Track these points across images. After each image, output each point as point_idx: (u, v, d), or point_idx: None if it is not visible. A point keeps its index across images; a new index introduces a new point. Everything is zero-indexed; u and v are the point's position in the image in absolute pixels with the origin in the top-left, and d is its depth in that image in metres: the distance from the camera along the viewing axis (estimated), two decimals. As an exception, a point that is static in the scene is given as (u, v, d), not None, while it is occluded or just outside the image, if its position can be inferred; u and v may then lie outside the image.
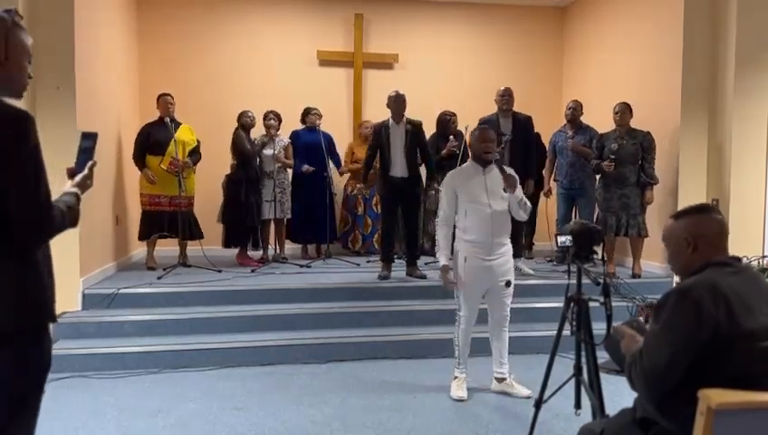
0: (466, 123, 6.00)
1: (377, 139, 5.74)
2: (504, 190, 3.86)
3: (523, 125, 6.06)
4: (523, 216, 3.96)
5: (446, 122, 6.78)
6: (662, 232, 2.11)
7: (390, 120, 5.67)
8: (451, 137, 6.55)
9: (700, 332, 1.78)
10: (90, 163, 2.12)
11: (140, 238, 6.23)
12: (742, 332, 1.77)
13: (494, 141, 3.99)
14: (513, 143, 5.94)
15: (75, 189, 2.06)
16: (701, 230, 2.00)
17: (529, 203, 3.98)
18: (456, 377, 4.03)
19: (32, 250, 1.89)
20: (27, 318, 1.87)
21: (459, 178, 3.96)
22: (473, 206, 3.87)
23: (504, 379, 4.06)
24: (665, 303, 1.89)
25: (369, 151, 5.86)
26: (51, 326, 1.99)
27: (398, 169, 5.65)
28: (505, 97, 6.05)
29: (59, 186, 2.15)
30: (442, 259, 3.91)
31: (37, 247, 1.91)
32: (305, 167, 6.65)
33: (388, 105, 5.66)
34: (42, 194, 1.83)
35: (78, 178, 2.09)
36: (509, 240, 3.98)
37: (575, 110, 6.47)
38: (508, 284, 3.95)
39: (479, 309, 4.03)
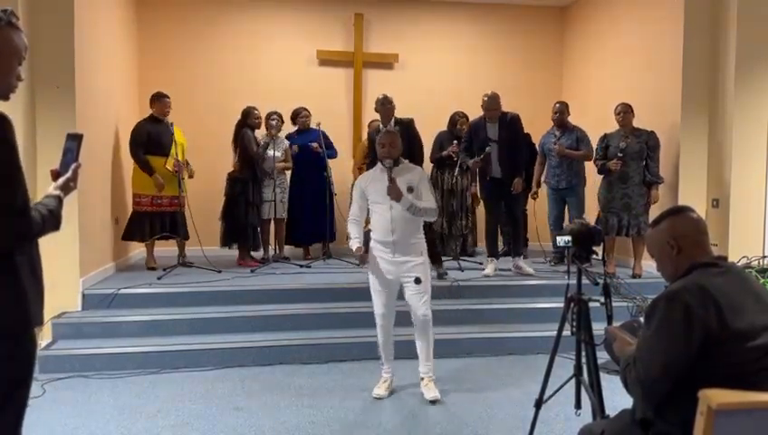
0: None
1: (374, 147, 5.64)
2: (391, 194, 3.80)
3: (512, 124, 5.92)
4: (427, 220, 3.99)
5: (455, 123, 6.85)
6: (645, 244, 2.11)
7: (380, 126, 5.56)
8: (455, 141, 6.56)
9: (692, 336, 1.78)
10: (74, 165, 2.04)
11: (125, 238, 6.11)
12: (732, 332, 1.77)
13: (396, 147, 3.90)
14: (501, 143, 5.86)
15: (58, 192, 1.99)
16: (681, 230, 2.01)
17: (427, 205, 3.87)
18: (382, 375, 4.12)
19: (10, 254, 1.83)
20: (6, 321, 1.83)
21: (367, 181, 4.01)
22: (376, 206, 3.94)
23: (422, 378, 4.05)
24: (654, 309, 1.88)
25: (369, 160, 5.67)
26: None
27: None
28: (492, 103, 5.85)
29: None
30: (354, 244, 3.95)
31: (16, 252, 1.84)
32: (294, 147, 6.63)
33: (376, 109, 5.58)
34: (18, 197, 1.77)
35: (61, 180, 2.01)
36: (419, 239, 3.97)
37: (561, 113, 6.36)
38: (417, 281, 3.91)
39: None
